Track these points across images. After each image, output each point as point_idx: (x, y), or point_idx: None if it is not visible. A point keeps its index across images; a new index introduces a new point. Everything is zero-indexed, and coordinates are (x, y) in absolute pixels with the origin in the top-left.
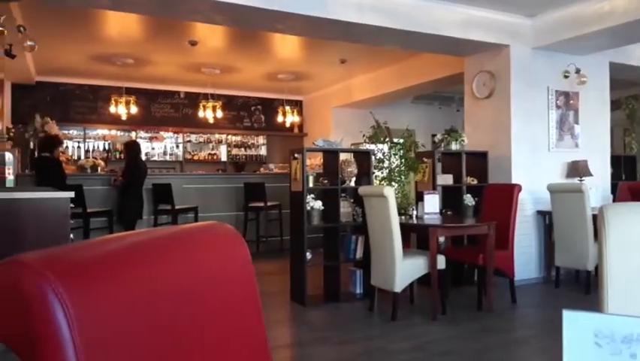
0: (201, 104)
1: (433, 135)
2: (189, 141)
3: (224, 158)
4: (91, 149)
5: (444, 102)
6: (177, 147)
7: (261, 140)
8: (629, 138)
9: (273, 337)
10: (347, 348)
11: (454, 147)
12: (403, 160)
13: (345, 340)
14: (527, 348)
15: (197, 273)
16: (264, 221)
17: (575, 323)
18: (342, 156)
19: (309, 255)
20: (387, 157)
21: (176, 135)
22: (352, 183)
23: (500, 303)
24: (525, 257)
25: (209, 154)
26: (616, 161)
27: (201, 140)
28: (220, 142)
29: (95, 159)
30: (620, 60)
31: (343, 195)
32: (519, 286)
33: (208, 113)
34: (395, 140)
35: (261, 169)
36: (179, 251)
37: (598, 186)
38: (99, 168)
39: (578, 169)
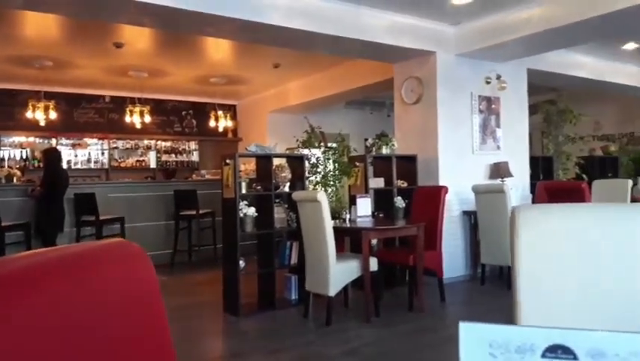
0: (128, 109)
1: (366, 140)
2: (116, 148)
3: (153, 165)
4: (6, 157)
5: (375, 107)
6: (102, 154)
7: (193, 145)
8: (546, 140)
9: (204, 350)
10: (281, 356)
11: (385, 151)
12: (336, 165)
13: (279, 348)
14: (457, 346)
15: (92, 298)
16: (196, 230)
17: (470, 334)
18: (276, 161)
19: (242, 263)
20: (320, 162)
21: (101, 142)
22: (286, 189)
23: (430, 302)
24: (453, 256)
25: (138, 161)
26: (534, 162)
27: (128, 146)
28: (149, 148)
29: (11, 168)
30: (537, 67)
31: (277, 200)
32: (448, 285)
33: (135, 118)
34: (330, 144)
35: (193, 176)
36: (73, 274)
37: (518, 186)
38: (15, 178)
39: (499, 170)
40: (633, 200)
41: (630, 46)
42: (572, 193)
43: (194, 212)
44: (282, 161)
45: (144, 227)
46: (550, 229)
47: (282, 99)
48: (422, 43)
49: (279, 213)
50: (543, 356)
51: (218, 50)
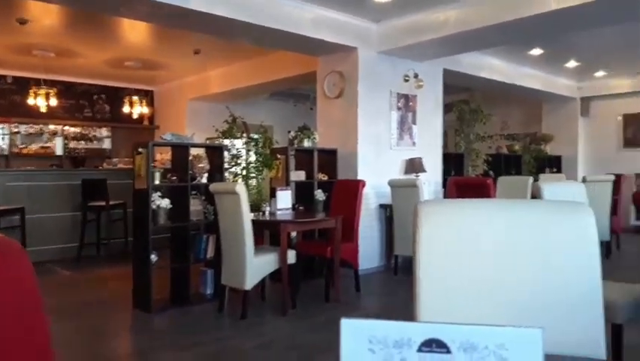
0: (32, 91)
1: (289, 132)
2: (18, 133)
3: (59, 152)
4: None
5: (299, 100)
6: (2, 139)
7: (105, 132)
8: (458, 138)
9: (110, 348)
10: (193, 352)
11: (307, 144)
12: (258, 156)
13: (192, 343)
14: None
15: None
16: (105, 222)
17: (351, 330)
18: (194, 151)
19: (154, 257)
20: (242, 153)
21: (1, 125)
22: (204, 180)
23: (346, 293)
24: (369, 247)
25: (42, 147)
26: (447, 158)
27: (32, 131)
28: (55, 134)
29: None
30: (452, 67)
31: (194, 192)
32: (363, 275)
33: (40, 100)
34: (252, 135)
35: (104, 164)
36: None
37: (431, 181)
38: None
39: (414, 166)
40: (533, 196)
41: (536, 51)
42: (478, 188)
43: (103, 203)
44: (200, 151)
45: (47, 218)
46: (450, 224)
47: (203, 87)
48: (345, 38)
49: (195, 205)
50: (419, 350)
51: (134, 32)
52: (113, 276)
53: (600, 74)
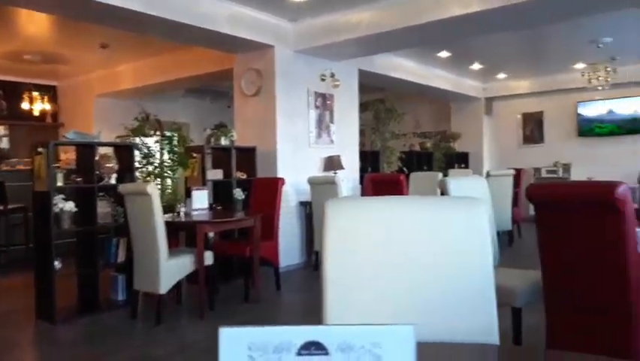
0: None
1: (205, 130)
2: None
3: None
4: None
5: (216, 97)
6: None
7: (2, 130)
8: (374, 136)
9: None
10: None
11: (224, 142)
12: (172, 155)
13: (103, 353)
14: None
15: None
16: (5, 227)
17: (230, 338)
18: (102, 151)
19: (58, 264)
20: (153, 152)
21: None
22: (113, 181)
23: (266, 292)
24: (289, 245)
25: None
26: (364, 156)
27: None
28: None
29: None
30: (367, 68)
31: (101, 194)
32: (284, 273)
33: None
34: (166, 133)
35: (2, 165)
36: None
37: (349, 177)
38: None
39: (332, 163)
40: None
41: (444, 54)
42: (393, 184)
43: (1, 207)
44: (109, 150)
45: None
46: (356, 221)
47: (112, 83)
48: (261, 36)
49: (104, 207)
50: (298, 353)
51: (34, 23)
52: (13, 285)
53: (502, 76)
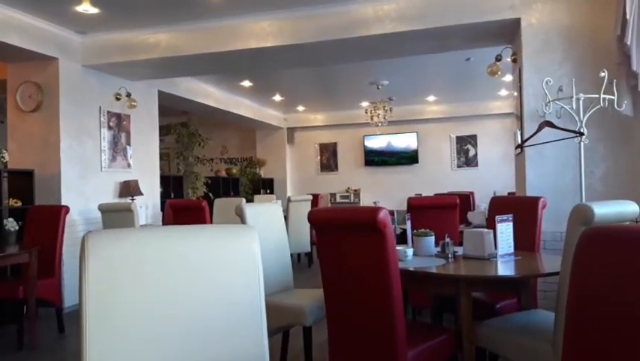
0: None
1: None
2: None
3: None
4: None
5: None
6: None
7: None
8: (178, 161)
9: None
10: None
11: None
12: None
13: None
14: None
15: None
16: None
17: None
18: None
19: None
20: None
21: None
22: None
23: (47, 337)
24: (77, 281)
25: None
26: (166, 181)
27: None
28: None
29: None
30: (168, 90)
31: None
32: (70, 313)
33: None
34: None
35: None
36: None
37: (149, 204)
38: None
39: (129, 189)
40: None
41: (246, 83)
42: (194, 211)
43: None
44: None
45: None
46: (123, 256)
47: None
48: (41, 46)
49: None
50: None
51: None
52: None
53: (301, 108)
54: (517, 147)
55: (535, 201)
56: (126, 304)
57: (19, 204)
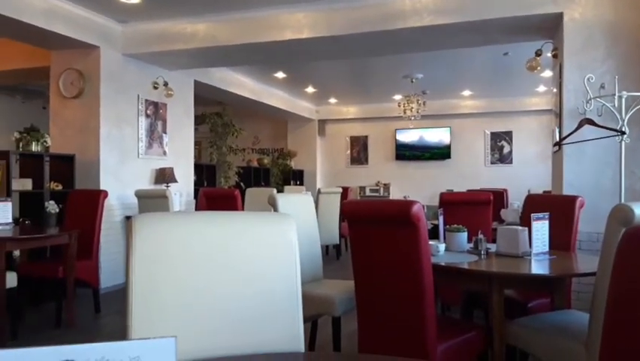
0: None
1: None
2: None
3: None
4: None
5: (29, 97)
6: None
7: None
8: (212, 150)
9: None
10: None
11: (36, 148)
12: None
13: None
14: None
15: None
16: None
17: None
18: None
19: None
20: None
21: None
22: None
23: (84, 316)
24: (113, 264)
25: None
26: (200, 169)
27: None
28: None
29: None
30: (203, 80)
31: None
32: (106, 295)
33: None
34: None
35: None
36: None
37: (183, 191)
38: None
39: (164, 176)
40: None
41: (280, 75)
42: (227, 199)
43: None
44: None
45: None
46: (167, 238)
47: None
48: (84, 34)
49: None
50: None
51: None
52: None
53: (333, 100)
54: (555, 145)
55: (572, 200)
56: (169, 284)
57: (60, 187)
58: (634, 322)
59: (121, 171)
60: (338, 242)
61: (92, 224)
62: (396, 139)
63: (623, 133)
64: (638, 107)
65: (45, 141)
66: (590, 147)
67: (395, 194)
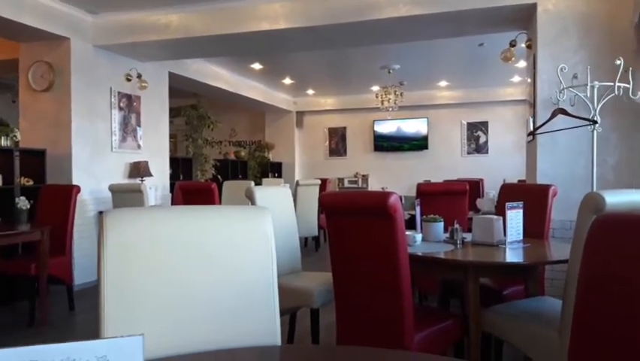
0: None
1: None
2: None
3: None
4: None
5: None
6: None
7: None
8: (187, 143)
9: None
10: None
11: (5, 142)
12: None
13: None
14: None
15: None
16: None
17: None
18: None
19: None
20: None
21: None
22: None
23: (57, 314)
24: (87, 260)
25: None
26: (175, 163)
27: None
28: None
29: None
30: (178, 72)
31: None
32: (80, 291)
33: None
34: None
35: None
36: None
37: (158, 185)
38: None
39: (139, 170)
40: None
41: (256, 66)
42: (203, 193)
43: None
44: None
45: None
46: (139, 233)
47: None
48: (53, 25)
49: None
50: None
51: None
52: None
53: (310, 91)
54: (529, 134)
55: (545, 189)
56: (142, 279)
57: (31, 183)
58: (602, 304)
59: (94, 165)
60: (317, 234)
61: (65, 220)
62: (374, 130)
63: (595, 122)
64: (609, 97)
65: (15, 136)
66: (563, 137)
67: (374, 185)
